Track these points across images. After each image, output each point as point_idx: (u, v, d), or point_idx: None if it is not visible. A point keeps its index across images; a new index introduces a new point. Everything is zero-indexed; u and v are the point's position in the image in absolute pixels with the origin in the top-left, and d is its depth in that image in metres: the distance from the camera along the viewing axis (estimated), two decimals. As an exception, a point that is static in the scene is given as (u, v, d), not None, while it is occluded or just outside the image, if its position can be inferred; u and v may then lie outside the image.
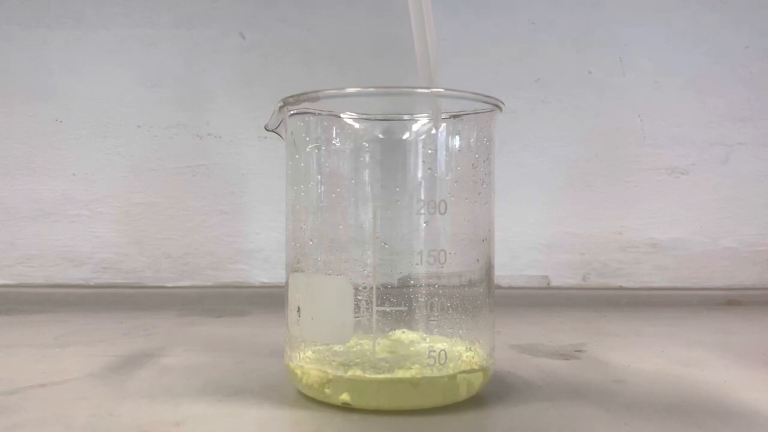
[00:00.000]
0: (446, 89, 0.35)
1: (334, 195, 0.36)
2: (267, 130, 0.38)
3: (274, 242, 0.80)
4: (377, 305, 0.34)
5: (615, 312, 0.68)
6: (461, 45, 0.82)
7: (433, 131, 0.35)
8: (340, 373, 0.33)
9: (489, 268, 0.37)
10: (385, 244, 0.34)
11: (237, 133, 0.81)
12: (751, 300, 0.76)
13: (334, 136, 0.36)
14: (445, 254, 0.34)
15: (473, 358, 0.35)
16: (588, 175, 0.83)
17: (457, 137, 0.36)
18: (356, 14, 0.82)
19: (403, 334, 0.37)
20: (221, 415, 0.33)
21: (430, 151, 0.35)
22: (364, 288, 0.34)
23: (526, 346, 0.50)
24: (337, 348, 0.35)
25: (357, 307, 0.34)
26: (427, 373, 0.33)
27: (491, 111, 0.36)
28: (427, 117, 0.35)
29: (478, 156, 0.37)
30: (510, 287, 0.81)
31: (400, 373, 0.33)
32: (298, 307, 0.35)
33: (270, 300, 0.68)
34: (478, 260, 0.36)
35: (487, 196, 0.37)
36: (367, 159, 0.35)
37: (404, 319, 0.36)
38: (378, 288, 0.34)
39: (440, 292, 0.35)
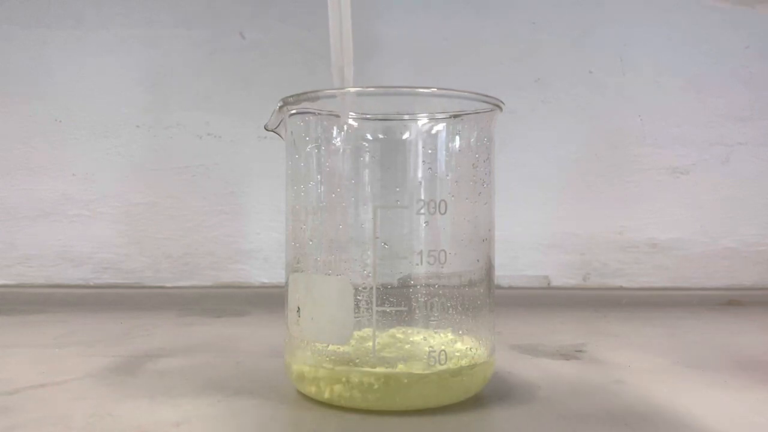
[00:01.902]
0: (447, 89, 0.35)
1: (333, 195, 0.36)
2: (267, 129, 0.38)
3: (273, 242, 0.80)
4: (377, 305, 0.34)
5: (615, 312, 0.67)
6: (461, 45, 0.82)
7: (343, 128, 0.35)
8: (339, 373, 0.33)
9: (489, 268, 0.37)
10: (385, 244, 0.34)
11: (237, 133, 0.81)
12: (751, 300, 0.76)
13: (334, 135, 0.36)
14: (445, 254, 0.34)
15: (473, 358, 0.35)
16: (588, 175, 0.83)
17: (458, 137, 0.36)
18: (355, 14, 0.82)
19: (403, 335, 0.36)
20: (221, 415, 0.33)
21: (430, 151, 0.35)
22: (364, 288, 0.34)
23: (527, 346, 0.50)
24: (336, 348, 0.35)
25: (357, 307, 0.34)
26: (428, 373, 0.33)
27: (491, 111, 0.36)
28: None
29: (479, 156, 0.36)
30: (510, 287, 0.81)
31: (400, 374, 0.33)
32: (298, 307, 0.35)
33: (270, 300, 0.68)
34: (478, 260, 0.36)
35: (487, 196, 0.37)
36: (367, 159, 0.35)
37: (404, 319, 0.36)
38: (378, 288, 0.34)
39: (440, 292, 0.35)
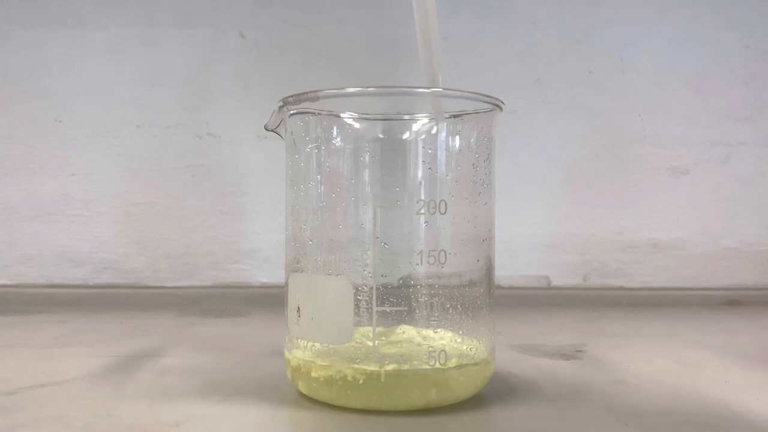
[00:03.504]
0: (446, 89, 0.35)
1: (334, 195, 0.36)
2: (267, 129, 0.38)
3: (274, 242, 0.80)
4: (377, 305, 0.34)
5: (615, 312, 0.67)
6: (461, 45, 0.82)
7: (434, 129, 0.35)
8: (339, 373, 0.33)
9: (489, 268, 0.37)
10: (385, 244, 0.34)
11: (237, 133, 0.81)
12: (751, 300, 0.76)
13: (334, 135, 0.36)
14: (445, 254, 0.34)
15: (473, 358, 0.35)
16: (588, 175, 0.83)
17: (458, 137, 0.36)
18: (356, 14, 0.82)
19: (403, 334, 0.36)
20: (221, 415, 0.33)
21: (430, 151, 0.35)
22: (364, 288, 0.34)
23: (527, 346, 0.50)
24: (336, 348, 0.35)
25: (357, 307, 0.34)
26: (428, 372, 0.33)
27: (491, 111, 0.36)
28: (428, 116, 0.35)
29: (479, 156, 0.36)
30: (510, 287, 0.81)
31: (400, 373, 0.33)
32: (298, 307, 0.35)
33: (270, 300, 0.68)
34: (478, 260, 0.36)
35: (487, 196, 0.37)
36: (367, 159, 0.35)
37: (404, 319, 0.36)
38: (378, 288, 0.34)
39: (440, 292, 0.35)
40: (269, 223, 0.80)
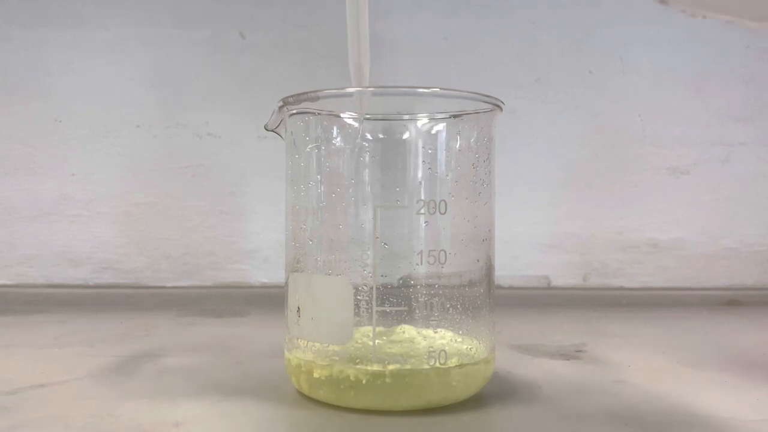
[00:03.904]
0: (447, 89, 0.35)
1: (333, 195, 0.36)
2: (267, 130, 0.38)
3: (273, 242, 0.80)
4: (377, 305, 0.34)
5: (615, 312, 0.67)
6: (461, 45, 0.82)
7: (359, 125, 0.35)
8: (339, 373, 0.33)
9: (489, 268, 0.37)
10: (385, 244, 0.34)
11: (237, 133, 0.81)
12: (751, 300, 0.76)
13: (334, 135, 0.36)
14: (445, 254, 0.34)
15: (473, 357, 0.35)
16: (588, 175, 0.83)
17: (458, 137, 0.36)
18: (356, 14, 0.82)
19: (403, 334, 0.36)
20: (221, 415, 0.33)
21: (430, 151, 0.35)
22: (364, 288, 0.34)
23: (527, 346, 0.50)
24: (336, 348, 0.35)
25: (357, 307, 0.34)
26: (428, 372, 0.33)
27: (491, 111, 0.36)
28: (428, 116, 0.35)
29: (479, 156, 0.36)
30: (510, 287, 0.81)
31: (400, 373, 0.33)
32: (298, 307, 0.35)
33: (270, 300, 0.68)
34: (478, 260, 0.36)
35: (487, 196, 0.37)
36: (367, 159, 0.35)
37: (404, 319, 0.36)
38: (378, 288, 0.34)
39: (440, 292, 0.35)
40: (269, 223, 0.80)
